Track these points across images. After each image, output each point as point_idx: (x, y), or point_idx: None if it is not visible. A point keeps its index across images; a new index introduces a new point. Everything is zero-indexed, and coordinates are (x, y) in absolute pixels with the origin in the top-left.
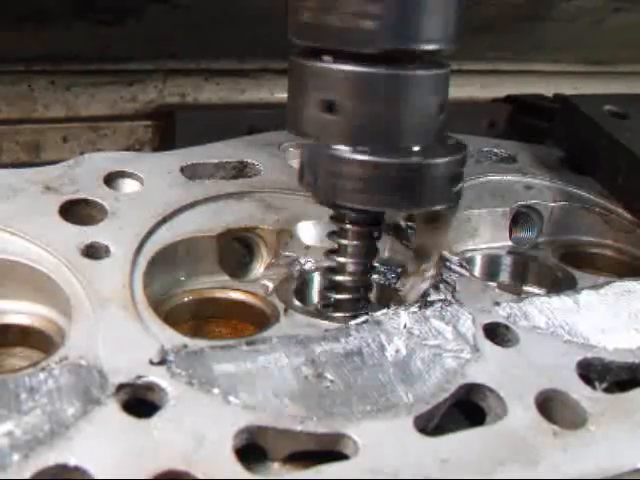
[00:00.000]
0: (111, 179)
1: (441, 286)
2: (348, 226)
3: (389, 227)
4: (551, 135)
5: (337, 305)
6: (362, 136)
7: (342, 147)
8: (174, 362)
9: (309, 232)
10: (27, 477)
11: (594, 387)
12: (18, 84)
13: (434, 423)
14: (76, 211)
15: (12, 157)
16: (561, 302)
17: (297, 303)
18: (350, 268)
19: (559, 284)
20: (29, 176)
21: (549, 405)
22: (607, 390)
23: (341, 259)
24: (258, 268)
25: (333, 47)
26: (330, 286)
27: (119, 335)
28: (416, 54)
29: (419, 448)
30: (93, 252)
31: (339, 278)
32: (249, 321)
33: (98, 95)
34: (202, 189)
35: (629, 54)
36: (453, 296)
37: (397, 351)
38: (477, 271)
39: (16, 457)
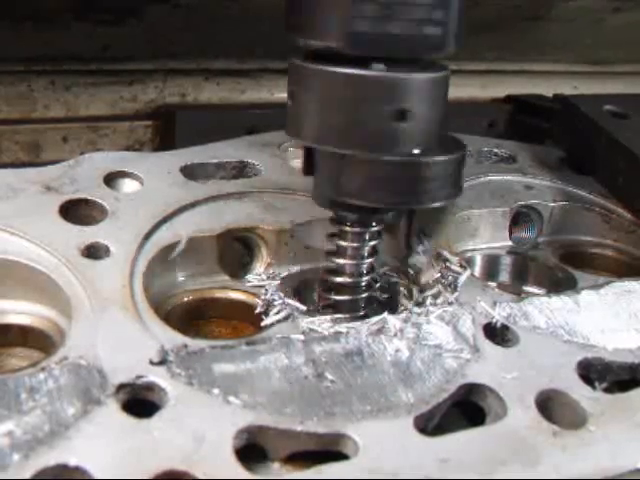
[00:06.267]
0: (111, 179)
1: (441, 286)
2: (347, 228)
3: (389, 228)
4: (551, 135)
5: (337, 306)
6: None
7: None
8: (174, 362)
9: (309, 232)
10: (27, 477)
11: (594, 387)
12: (18, 84)
13: (434, 423)
14: (76, 211)
15: (12, 157)
16: (561, 302)
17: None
18: (350, 270)
19: (559, 284)
20: (29, 176)
21: (549, 405)
22: (607, 390)
23: (341, 261)
24: (258, 268)
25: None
26: (330, 287)
27: (119, 335)
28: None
29: (419, 448)
30: (93, 252)
31: (339, 279)
32: (249, 321)
33: (98, 95)
34: (202, 189)
35: (629, 54)
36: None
37: (397, 351)
38: (477, 271)
39: (16, 457)
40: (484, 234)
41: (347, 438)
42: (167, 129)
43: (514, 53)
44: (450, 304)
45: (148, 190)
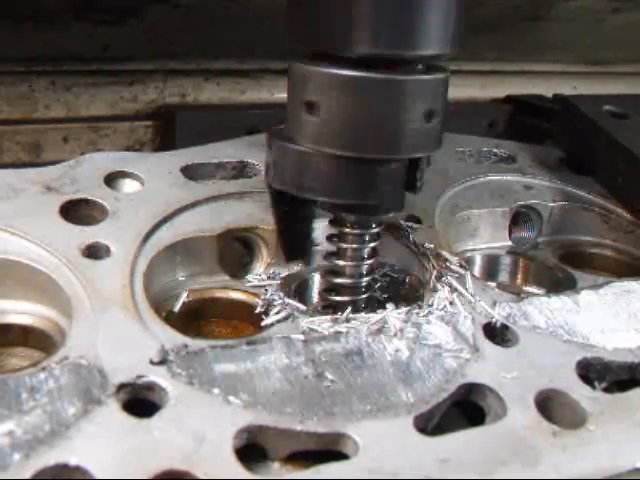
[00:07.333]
0: (111, 179)
1: (441, 286)
2: (347, 230)
3: (389, 228)
4: (551, 135)
5: (337, 307)
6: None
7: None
8: (174, 362)
9: None
10: (28, 477)
11: (593, 387)
12: (19, 84)
13: (434, 423)
14: (77, 211)
15: (13, 157)
16: (561, 302)
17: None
18: (349, 271)
19: (559, 284)
20: (30, 176)
21: (549, 405)
22: (606, 390)
23: (340, 262)
24: (258, 268)
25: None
26: (330, 288)
27: (119, 335)
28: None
29: (419, 448)
30: (94, 252)
31: (339, 280)
32: (249, 321)
33: (98, 95)
34: (202, 189)
35: (629, 54)
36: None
37: (397, 351)
38: (477, 271)
39: (17, 457)
40: (484, 234)
41: (347, 438)
42: (167, 129)
43: (514, 53)
44: (450, 304)
45: (148, 190)
